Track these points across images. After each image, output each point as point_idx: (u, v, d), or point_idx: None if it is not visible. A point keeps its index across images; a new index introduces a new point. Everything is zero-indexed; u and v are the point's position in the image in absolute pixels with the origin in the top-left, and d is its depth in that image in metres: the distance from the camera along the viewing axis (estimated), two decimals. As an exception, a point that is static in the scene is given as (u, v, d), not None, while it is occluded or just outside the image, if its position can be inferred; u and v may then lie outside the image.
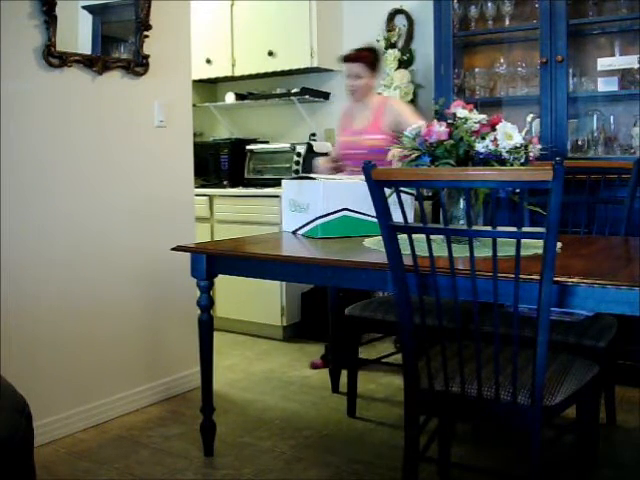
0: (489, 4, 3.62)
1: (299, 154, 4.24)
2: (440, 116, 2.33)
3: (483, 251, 1.93)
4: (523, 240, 1.64)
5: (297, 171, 4.18)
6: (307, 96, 4.35)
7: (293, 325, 4.15)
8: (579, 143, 3.51)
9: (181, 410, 3.00)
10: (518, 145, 2.12)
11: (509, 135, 2.11)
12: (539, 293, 1.64)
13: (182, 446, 2.62)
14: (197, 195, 3.53)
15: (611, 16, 3.40)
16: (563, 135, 3.37)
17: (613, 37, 3.48)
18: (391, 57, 4.07)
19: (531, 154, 2.16)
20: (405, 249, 1.76)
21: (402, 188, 1.78)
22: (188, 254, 2.48)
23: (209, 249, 2.44)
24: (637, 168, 2.68)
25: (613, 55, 3.46)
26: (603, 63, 3.44)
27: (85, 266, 2.80)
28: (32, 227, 2.62)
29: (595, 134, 3.48)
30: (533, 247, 2.04)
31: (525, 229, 1.65)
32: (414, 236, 1.74)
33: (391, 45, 4.11)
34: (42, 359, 2.66)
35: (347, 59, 3.38)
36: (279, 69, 4.34)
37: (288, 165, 4.31)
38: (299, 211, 2.69)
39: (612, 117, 3.50)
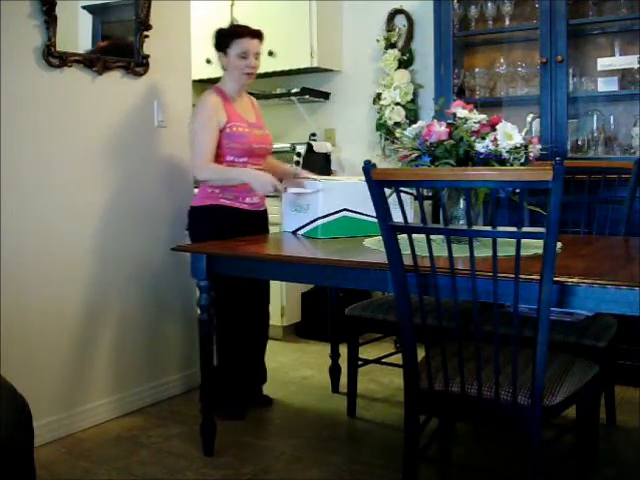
0: (489, 4, 3.62)
1: (299, 154, 4.24)
2: (440, 116, 2.33)
3: (483, 251, 1.93)
4: (523, 240, 1.64)
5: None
6: (307, 96, 4.35)
7: (293, 325, 4.15)
8: (579, 143, 3.51)
9: (181, 410, 3.00)
10: (518, 145, 2.13)
11: (509, 135, 2.12)
12: (539, 293, 1.64)
13: (182, 446, 2.62)
14: (197, 195, 3.52)
15: (611, 16, 3.40)
16: (563, 135, 3.37)
17: (613, 37, 3.48)
18: (391, 57, 4.07)
19: (531, 154, 2.16)
20: (405, 249, 1.76)
21: (402, 188, 1.78)
22: (188, 254, 2.48)
23: (209, 249, 2.44)
24: (637, 168, 2.68)
25: (613, 55, 3.46)
26: (603, 63, 3.43)
27: (85, 266, 2.80)
28: (32, 228, 2.61)
29: (595, 134, 3.48)
30: (533, 247, 2.04)
31: (525, 229, 1.65)
32: (414, 236, 1.74)
33: (391, 45, 4.11)
34: (42, 359, 2.66)
35: (253, 34, 2.74)
36: (279, 69, 4.33)
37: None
38: (299, 211, 2.69)
39: (612, 117, 3.50)
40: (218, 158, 2.73)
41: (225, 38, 2.74)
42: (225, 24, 2.86)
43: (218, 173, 2.72)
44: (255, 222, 2.83)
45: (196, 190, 2.94)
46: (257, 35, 2.75)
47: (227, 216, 2.76)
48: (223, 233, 2.64)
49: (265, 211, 2.91)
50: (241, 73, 2.75)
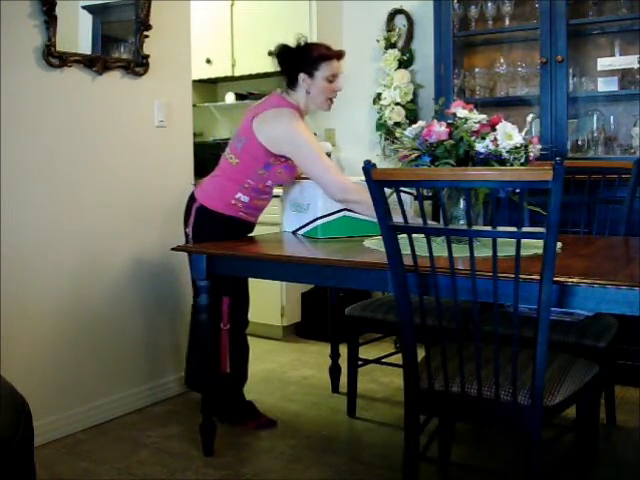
0: (489, 4, 3.62)
1: (299, 154, 4.24)
2: (440, 116, 2.33)
3: (483, 251, 1.93)
4: (523, 240, 1.64)
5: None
6: (307, 96, 4.34)
7: (293, 325, 4.15)
8: (579, 143, 3.51)
9: (181, 410, 3.00)
10: (518, 145, 2.13)
11: (509, 135, 2.12)
12: (539, 293, 1.64)
13: (182, 446, 2.62)
14: (197, 195, 3.52)
15: (611, 16, 3.40)
16: (563, 135, 3.37)
17: (613, 37, 3.48)
18: (391, 57, 4.07)
19: (531, 154, 2.16)
20: (405, 249, 1.76)
21: (402, 188, 1.78)
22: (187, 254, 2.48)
23: (209, 249, 2.44)
24: (637, 168, 2.68)
25: (613, 55, 3.46)
26: (603, 63, 3.43)
27: (85, 266, 2.80)
28: (32, 228, 2.61)
29: (595, 134, 3.48)
30: (533, 247, 2.04)
31: (525, 229, 1.65)
32: (414, 236, 1.74)
33: (391, 45, 4.11)
34: (42, 359, 2.66)
35: (340, 55, 2.61)
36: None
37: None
38: (299, 211, 2.69)
39: (612, 117, 3.49)
40: (256, 178, 2.58)
41: (312, 59, 2.55)
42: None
43: (368, 201, 2.46)
44: (248, 232, 2.78)
45: (197, 188, 2.87)
46: (342, 56, 2.62)
47: (239, 228, 2.69)
48: (226, 240, 2.59)
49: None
50: (326, 98, 2.59)
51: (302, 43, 2.61)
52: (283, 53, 2.62)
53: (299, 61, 2.58)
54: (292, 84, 2.63)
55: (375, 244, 2.32)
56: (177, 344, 3.20)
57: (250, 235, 2.75)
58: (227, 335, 2.65)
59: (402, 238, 1.75)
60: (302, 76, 2.57)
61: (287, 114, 2.56)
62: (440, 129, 2.16)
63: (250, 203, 2.64)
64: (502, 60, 3.72)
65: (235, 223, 2.66)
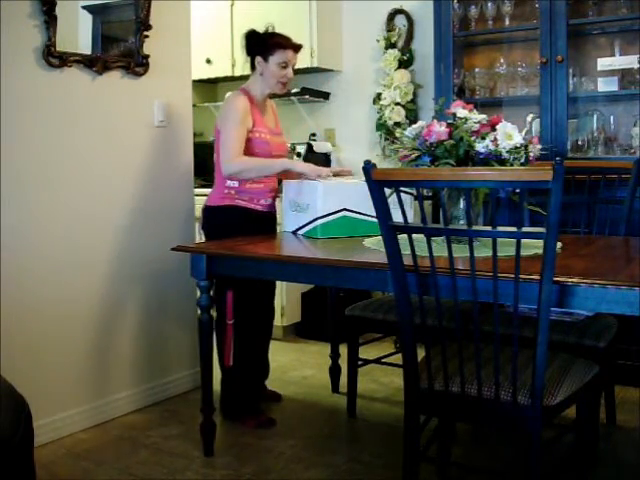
0: (489, 4, 3.62)
1: (299, 154, 4.24)
2: (440, 116, 2.33)
3: (483, 251, 1.93)
4: (523, 240, 1.65)
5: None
6: (307, 96, 4.35)
7: (293, 325, 4.15)
8: (579, 143, 3.51)
9: (181, 410, 3.00)
10: (518, 145, 2.13)
11: (509, 135, 2.12)
12: (539, 293, 1.64)
13: (182, 446, 2.62)
14: (197, 195, 3.52)
15: (611, 16, 3.40)
16: (563, 135, 3.37)
17: (613, 37, 3.48)
18: (391, 57, 4.07)
19: (531, 154, 2.16)
20: (405, 249, 1.76)
21: (402, 188, 1.78)
22: (188, 254, 2.48)
23: (209, 249, 2.44)
24: (637, 168, 2.69)
25: (613, 55, 3.46)
26: (603, 63, 3.44)
27: (85, 266, 2.80)
28: (32, 228, 2.61)
29: (595, 134, 3.48)
30: (533, 247, 2.04)
31: (525, 229, 1.65)
32: (414, 236, 1.74)
33: (391, 45, 4.11)
34: (42, 359, 2.66)
35: (296, 47, 2.83)
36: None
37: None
38: (299, 211, 2.69)
39: (612, 117, 3.50)
40: None
41: (269, 46, 2.79)
42: (250, 25, 2.90)
43: (252, 163, 2.71)
44: (266, 223, 2.85)
45: (208, 190, 2.92)
46: (299, 49, 2.85)
47: (243, 216, 2.78)
48: (238, 233, 2.68)
49: (275, 212, 2.92)
50: (277, 81, 2.81)
51: (269, 30, 2.89)
52: (250, 36, 2.85)
53: (259, 45, 2.81)
54: (252, 67, 2.86)
55: (375, 244, 2.32)
56: (178, 344, 3.20)
57: (252, 234, 2.73)
58: (231, 329, 2.73)
59: (402, 238, 1.75)
60: (258, 59, 2.81)
61: (231, 96, 2.83)
62: (440, 129, 2.16)
63: (241, 187, 2.77)
64: (502, 60, 3.72)
65: (238, 213, 2.77)
